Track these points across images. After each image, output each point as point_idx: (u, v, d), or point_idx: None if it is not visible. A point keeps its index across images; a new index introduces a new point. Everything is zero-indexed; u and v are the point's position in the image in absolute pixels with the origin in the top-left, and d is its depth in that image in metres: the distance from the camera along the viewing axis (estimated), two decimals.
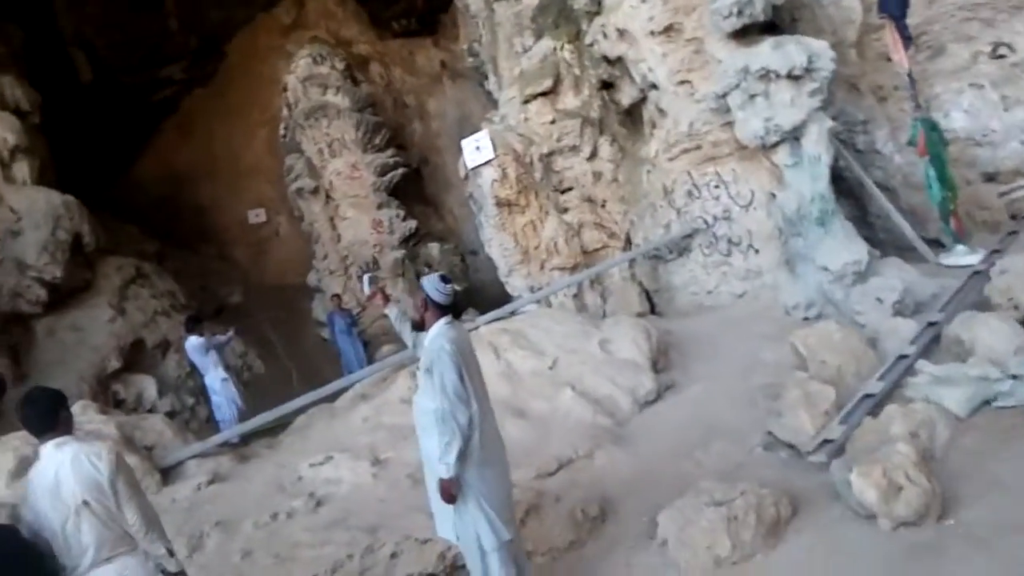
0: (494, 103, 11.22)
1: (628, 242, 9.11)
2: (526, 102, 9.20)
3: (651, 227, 8.64)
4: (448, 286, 3.65)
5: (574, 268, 9.13)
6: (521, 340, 7.05)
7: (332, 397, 7.97)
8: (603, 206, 9.15)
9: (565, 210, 9.17)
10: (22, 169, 10.48)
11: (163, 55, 17.45)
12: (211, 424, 10.10)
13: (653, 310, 8.97)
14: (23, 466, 6.09)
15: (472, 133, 15.52)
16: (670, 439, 5.25)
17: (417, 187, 15.52)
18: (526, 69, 9.40)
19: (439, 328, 3.57)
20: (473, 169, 9.19)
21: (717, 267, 8.38)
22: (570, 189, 9.18)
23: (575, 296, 8.99)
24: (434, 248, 13.28)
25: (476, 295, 13.82)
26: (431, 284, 3.63)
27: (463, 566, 4.36)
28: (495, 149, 8.97)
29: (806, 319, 7.37)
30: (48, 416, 2.89)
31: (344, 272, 13.37)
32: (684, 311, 8.57)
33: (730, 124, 7.77)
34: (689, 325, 7.92)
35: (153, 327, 11.39)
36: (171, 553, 2.99)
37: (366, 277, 4.11)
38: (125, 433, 6.44)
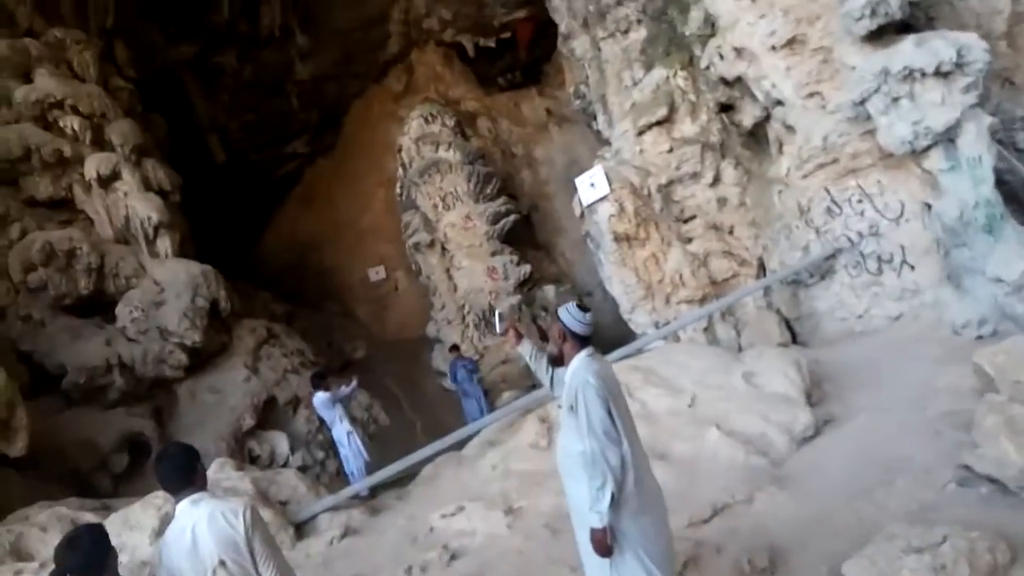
0: (603, 143, 11.01)
1: (762, 269, 8.49)
2: (640, 133, 8.90)
3: (787, 250, 8.00)
4: (588, 315, 3.32)
5: (702, 300, 8.59)
6: (653, 377, 6.59)
7: (459, 446, 7.76)
8: (731, 232, 8.61)
9: (689, 240, 8.70)
10: (164, 243, 11.19)
11: (287, 132, 18.65)
12: (341, 477, 10.15)
13: (795, 340, 8.25)
14: (166, 525, 6.22)
15: (580, 171, 15.59)
16: (840, 479, 4.60)
17: (528, 233, 15.49)
18: (638, 101, 9.14)
19: (581, 361, 3.24)
20: (588, 206, 8.93)
21: (867, 288, 7.60)
22: (693, 218, 8.72)
23: (705, 330, 8.43)
24: (549, 291, 13.06)
25: (595, 338, 13.39)
26: (569, 314, 3.31)
27: None
28: (610, 184, 8.69)
29: (979, 338, 6.50)
30: (183, 471, 2.79)
31: (462, 321, 13.36)
32: (832, 339, 7.80)
33: (871, 133, 7.13)
34: (841, 353, 7.17)
35: (284, 384, 11.71)
36: None
37: (498, 313, 3.86)
38: (260, 488, 6.45)
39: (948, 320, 6.80)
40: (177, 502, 2.78)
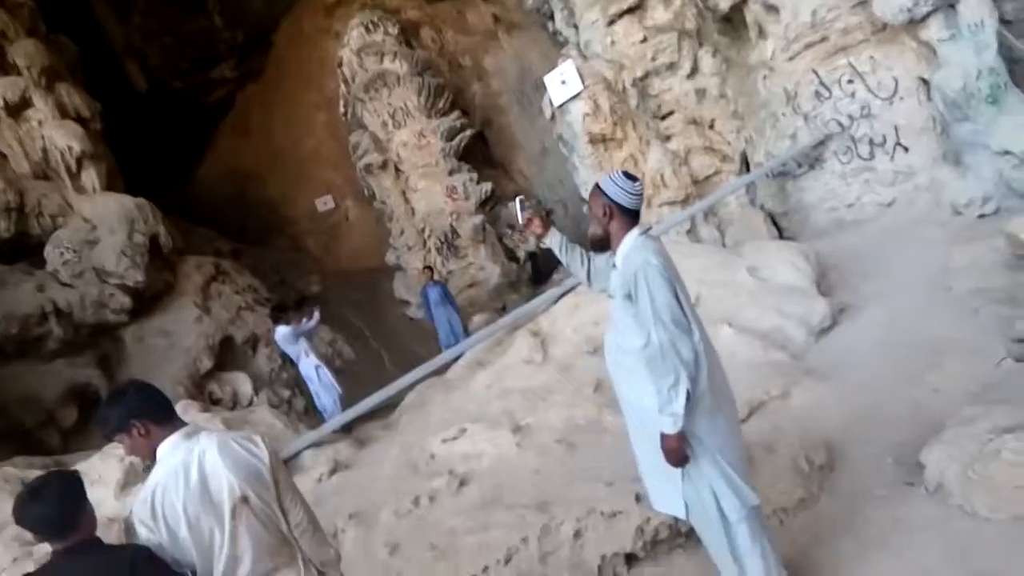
0: (560, 44, 10.26)
1: (745, 164, 8.08)
2: (611, 23, 8.23)
3: (773, 141, 7.58)
4: (637, 184, 2.77)
5: (685, 201, 8.17)
6: None
7: (440, 372, 7.30)
8: (711, 127, 8.14)
9: (668, 137, 8.20)
10: (90, 176, 10.13)
11: (212, 55, 17.13)
12: (310, 415, 9.65)
13: (781, 236, 7.94)
14: (132, 477, 5.60)
15: (533, 87, 14.78)
16: (878, 367, 4.29)
17: (483, 151, 14.72)
18: None
19: (635, 240, 2.69)
20: (560, 106, 8.30)
21: (858, 175, 7.29)
22: (671, 113, 8.20)
23: (688, 232, 8.05)
24: (515, 206, 12.41)
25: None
26: (615, 184, 2.72)
27: (664, 540, 3.57)
28: (582, 80, 8.04)
29: (982, 216, 6.28)
30: (159, 404, 2.18)
31: (423, 246, 12.70)
32: (822, 230, 7.51)
33: (862, 4, 6.66)
34: (837, 244, 6.88)
35: (239, 323, 10.98)
36: (339, 556, 2.27)
37: (518, 201, 3.28)
38: (232, 429, 5.87)
39: (947, 201, 6.54)
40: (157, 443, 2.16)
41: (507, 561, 3.59)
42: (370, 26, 12.53)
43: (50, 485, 1.97)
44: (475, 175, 12.66)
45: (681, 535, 3.51)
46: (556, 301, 6.70)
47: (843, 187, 7.41)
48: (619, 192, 2.71)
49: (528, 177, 14.79)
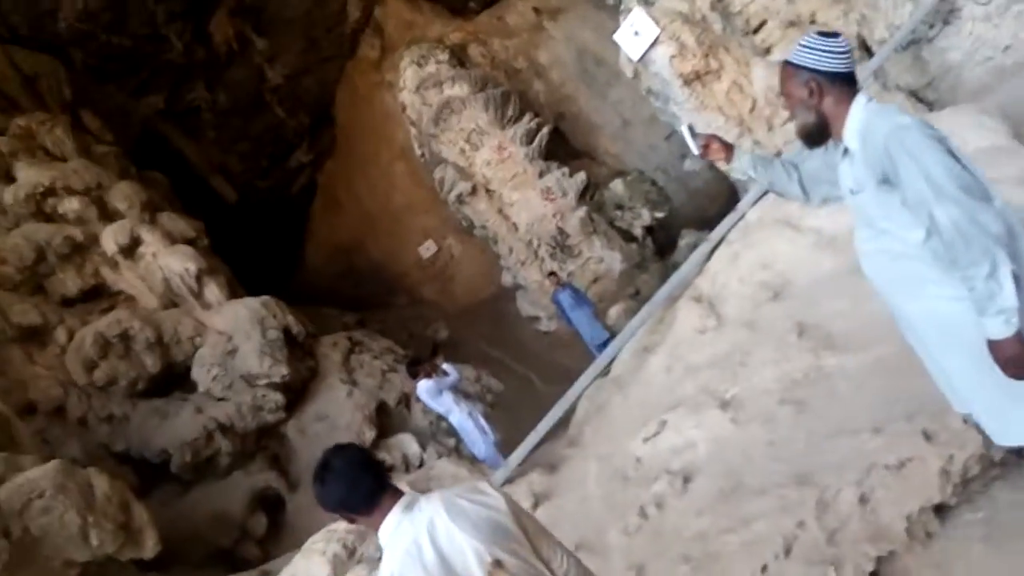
0: (612, 8, 9.61)
1: (865, 48, 7.10)
2: None
3: (892, 10, 6.60)
4: (840, 40, 2.13)
5: None
6: None
7: (603, 373, 6.72)
8: (813, 21, 7.22)
9: (768, 50, 7.36)
10: (212, 291, 10.36)
11: (285, 146, 17.64)
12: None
13: (931, 111, 6.89)
14: (340, 567, 5.34)
15: (595, 63, 14.15)
16: None
17: (564, 146, 14.20)
18: None
19: (867, 110, 2.05)
20: (640, 60, 7.64)
21: (1005, 11, 6.19)
22: (763, 24, 7.38)
23: None
24: (617, 186, 11.83)
25: (689, 219, 12.19)
26: (812, 50, 2.09)
27: (976, 476, 2.82)
28: (656, 23, 7.37)
29: None
30: (373, 477, 1.86)
31: (535, 257, 12.28)
32: (983, 87, 6.42)
33: None
34: (1011, 93, 5.82)
35: (388, 386, 10.89)
36: None
37: (686, 128, 2.70)
38: (421, 490, 5.54)
39: None
40: (368, 520, 1.84)
41: (787, 552, 2.94)
42: (421, 61, 12.38)
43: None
44: (565, 169, 12.14)
45: (995, 464, 2.76)
46: (709, 258, 6.02)
47: (992, 31, 6.32)
48: (822, 57, 2.08)
49: (616, 155, 14.12)
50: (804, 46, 2.12)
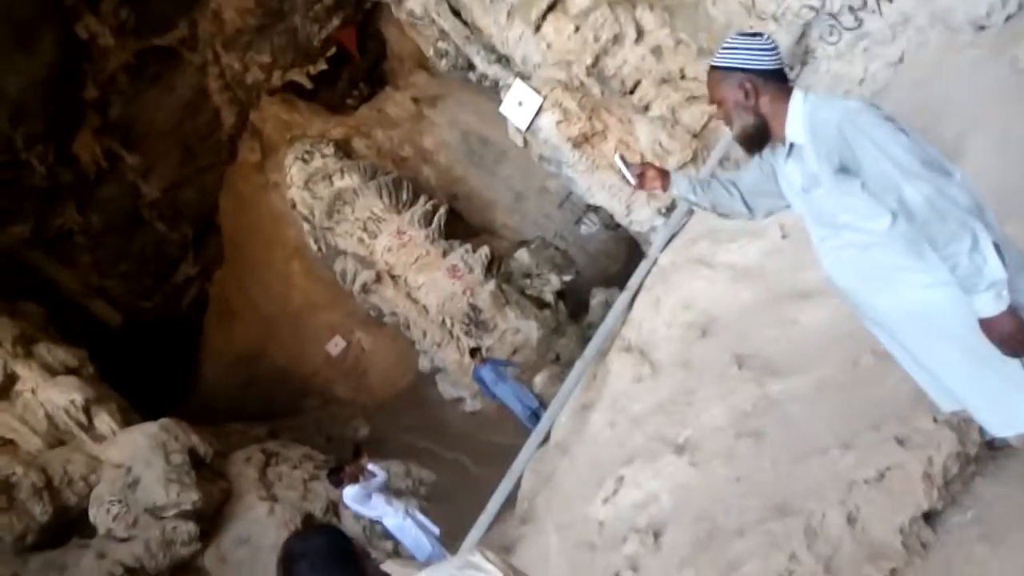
0: (489, 87, 9.91)
1: None
2: (538, 28, 7.82)
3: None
4: (764, 37, 2.15)
5: (694, 159, 7.60)
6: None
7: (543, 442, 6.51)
8: (683, 77, 7.63)
9: (647, 107, 7.68)
10: (103, 421, 9.49)
11: (169, 261, 16.79)
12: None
13: None
14: None
15: (480, 143, 14.47)
16: None
17: (461, 224, 14.27)
18: (514, 0, 8.05)
19: (809, 103, 2.04)
20: (528, 128, 7.79)
21: (853, 47, 6.73)
22: (638, 83, 7.70)
23: None
24: (522, 256, 11.91)
25: (594, 279, 12.37)
26: (740, 51, 2.10)
27: (955, 476, 2.77)
28: (538, 92, 7.58)
29: (1009, 19, 5.71)
30: (348, 560, 1.54)
31: (451, 336, 12.05)
32: None
33: None
34: None
35: (312, 496, 10.17)
36: None
37: (618, 158, 2.63)
38: None
39: (962, 21, 5.98)
40: None
41: None
42: (306, 157, 12.23)
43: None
44: (468, 246, 12.14)
45: (971, 460, 2.74)
46: (630, 308, 6.02)
47: (846, 67, 6.84)
48: (752, 56, 2.08)
49: (513, 227, 14.31)
50: (730, 48, 2.12)
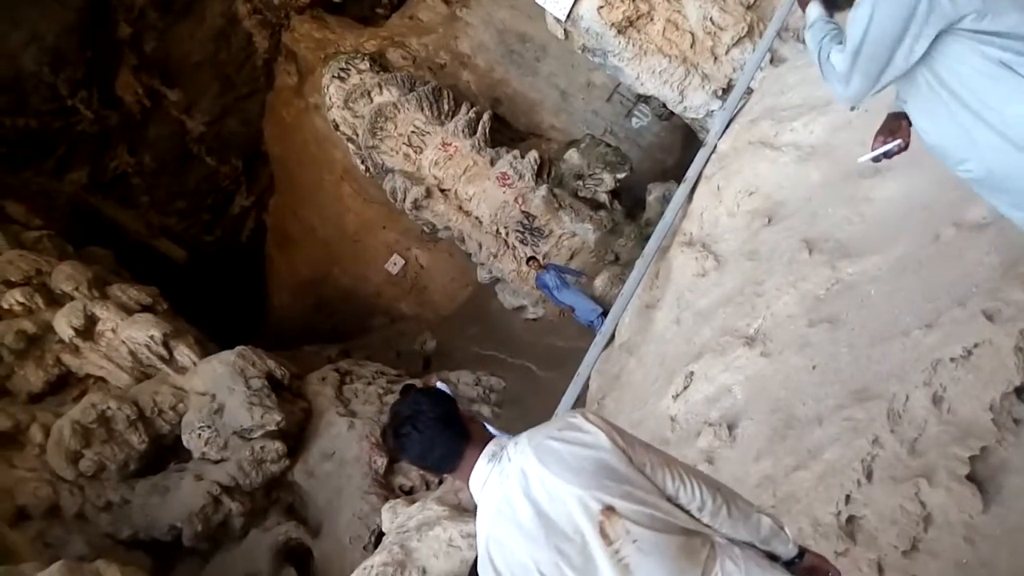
0: None
1: None
2: None
3: None
4: None
5: (749, 33, 7.09)
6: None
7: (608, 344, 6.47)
8: None
9: None
10: (183, 353, 9.87)
11: (224, 195, 17.07)
12: None
13: None
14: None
15: (519, 41, 13.89)
16: None
17: (507, 131, 13.92)
18: None
19: None
20: (568, 18, 7.37)
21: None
22: None
23: (771, 62, 6.95)
24: (573, 156, 11.54)
25: (649, 174, 12.00)
26: None
27: None
28: None
29: None
30: (451, 435, 1.60)
31: (507, 246, 11.97)
32: None
33: None
34: None
35: (387, 409, 10.53)
36: (780, 524, 1.63)
37: (874, 154, 2.45)
38: (450, 503, 5.24)
39: None
40: (454, 475, 1.65)
41: (869, 476, 2.72)
42: (342, 75, 11.97)
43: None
44: (516, 152, 11.84)
45: None
46: (690, 199, 5.79)
47: None
48: None
49: (561, 127, 13.88)
50: None
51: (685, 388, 4.28)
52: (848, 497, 2.73)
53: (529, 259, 10.56)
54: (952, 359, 2.69)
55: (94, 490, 8.67)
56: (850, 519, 2.68)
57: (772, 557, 1.61)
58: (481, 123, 11.91)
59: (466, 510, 4.71)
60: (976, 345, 2.65)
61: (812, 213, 4.42)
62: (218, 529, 8.75)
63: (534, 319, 12.49)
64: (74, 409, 8.64)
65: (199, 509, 8.61)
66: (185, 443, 9.09)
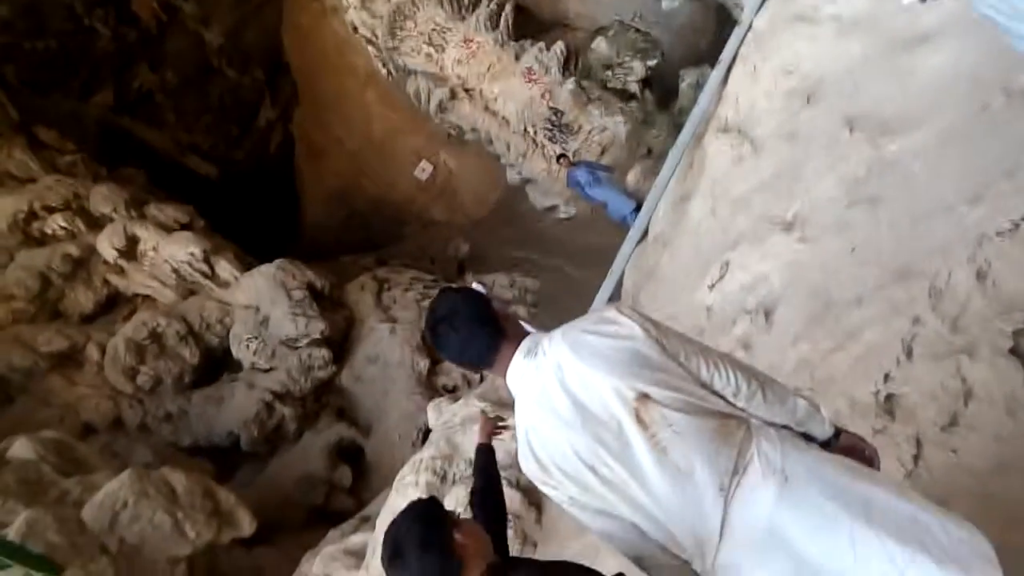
0: None
1: None
2: None
3: None
4: None
5: None
6: None
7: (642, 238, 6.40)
8: None
9: None
10: (224, 268, 10.11)
11: (249, 108, 16.93)
12: None
13: None
14: (438, 495, 5.23)
15: None
16: None
17: (531, 20, 13.34)
18: None
19: None
20: None
21: None
22: None
23: None
24: (600, 44, 11.09)
25: (682, 60, 11.47)
26: None
27: None
28: None
29: None
30: (487, 332, 1.63)
31: (535, 145, 11.75)
32: None
33: None
34: None
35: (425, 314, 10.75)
36: (817, 405, 1.65)
37: None
38: (492, 400, 5.41)
39: None
40: (492, 369, 1.68)
41: (909, 354, 2.70)
42: None
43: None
44: (541, 44, 11.41)
45: None
46: (725, 83, 5.56)
47: None
48: None
49: (587, 14, 13.21)
50: None
51: (721, 278, 4.25)
52: (887, 376, 2.73)
53: (559, 157, 10.36)
54: (999, 233, 2.60)
55: (153, 402, 9.14)
56: (888, 397, 2.69)
57: (808, 438, 1.63)
58: (503, 15, 11.46)
59: (507, 404, 4.85)
60: (1023, 218, 2.55)
61: (853, 89, 4.21)
62: (273, 433, 9.21)
63: (566, 218, 12.41)
64: (126, 327, 9.01)
65: (253, 416, 9.05)
66: (234, 354, 9.46)
